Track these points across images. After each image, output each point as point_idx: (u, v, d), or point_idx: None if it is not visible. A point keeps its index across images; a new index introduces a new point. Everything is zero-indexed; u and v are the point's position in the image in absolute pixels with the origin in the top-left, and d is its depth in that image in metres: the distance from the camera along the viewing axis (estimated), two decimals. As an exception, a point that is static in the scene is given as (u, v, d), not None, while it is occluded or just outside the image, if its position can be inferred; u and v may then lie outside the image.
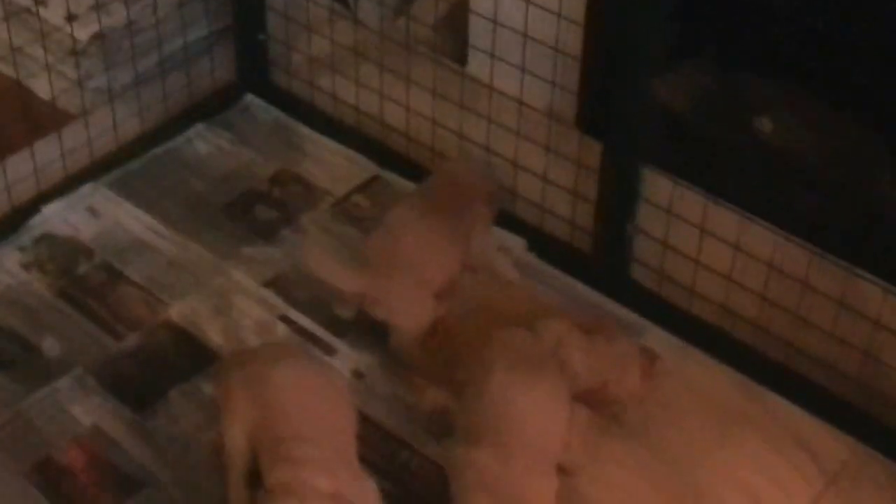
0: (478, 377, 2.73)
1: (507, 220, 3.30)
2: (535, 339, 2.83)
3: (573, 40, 3.20)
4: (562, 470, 2.67)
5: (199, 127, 3.67)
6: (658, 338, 3.10)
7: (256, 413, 2.60)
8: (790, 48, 2.97)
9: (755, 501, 2.77)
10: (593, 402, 2.84)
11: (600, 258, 3.23)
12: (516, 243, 3.30)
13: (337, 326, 3.09)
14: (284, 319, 3.11)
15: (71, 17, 3.53)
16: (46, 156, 3.39)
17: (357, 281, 2.99)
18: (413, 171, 3.49)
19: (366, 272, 2.99)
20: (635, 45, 2.94)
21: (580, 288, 3.23)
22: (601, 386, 2.86)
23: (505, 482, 2.55)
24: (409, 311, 3.00)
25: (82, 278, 3.21)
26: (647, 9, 2.87)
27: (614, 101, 3.05)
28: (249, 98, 3.77)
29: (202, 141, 3.63)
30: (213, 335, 3.06)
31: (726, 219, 3.01)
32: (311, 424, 2.57)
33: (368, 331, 3.06)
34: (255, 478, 2.58)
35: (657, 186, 3.09)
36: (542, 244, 3.30)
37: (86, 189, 3.44)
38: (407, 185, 3.47)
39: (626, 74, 2.98)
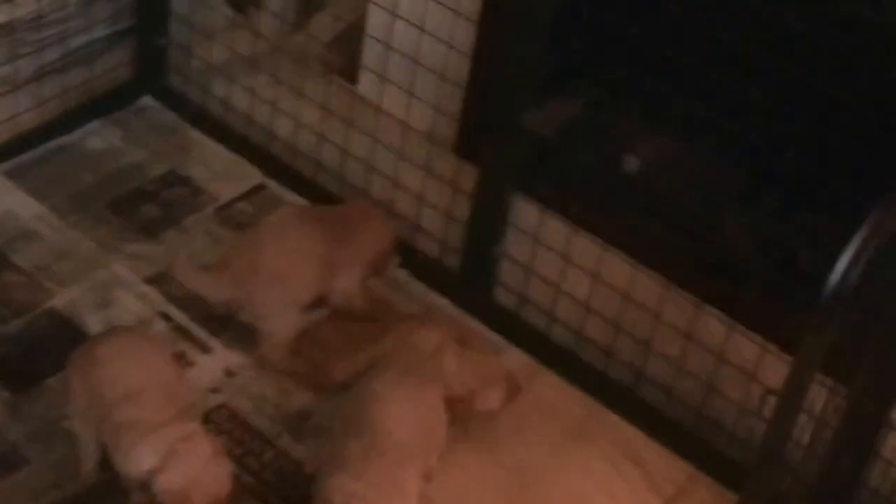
0: (356, 381, 2.83)
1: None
2: (416, 346, 2.92)
3: (460, 70, 3.29)
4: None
5: (95, 123, 3.73)
6: (514, 358, 3.22)
7: (91, 400, 2.70)
8: (659, 87, 3.04)
9: (590, 517, 2.91)
10: (454, 411, 2.91)
11: (467, 278, 3.36)
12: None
13: (213, 325, 3.18)
14: (163, 315, 3.20)
15: (-23, 7, 3.56)
16: (-56, 141, 3.45)
17: (221, 288, 3.09)
18: (296, 182, 3.59)
19: (230, 277, 3.08)
20: (515, 77, 3.08)
21: (446, 305, 3.34)
22: (466, 397, 2.93)
23: (373, 483, 2.62)
24: (274, 318, 3.08)
25: (-29, 262, 3.26)
26: (529, 44, 3.01)
27: (492, 130, 3.18)
28: (146, 99, 3.83)
29: (97, 137, 3.69)
30: (94, 326, 3.13)
31: (588, 247, 3.14)
32: (139, 394, 2.66)
33: (244, 331, 3.14)
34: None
35: (525, 213, 3.23)
36: (413, 261, 3.40)
37: (-20, 176, 3.50)
38: (290, 195, 3.57)
39: (505, 105, 3.12)
